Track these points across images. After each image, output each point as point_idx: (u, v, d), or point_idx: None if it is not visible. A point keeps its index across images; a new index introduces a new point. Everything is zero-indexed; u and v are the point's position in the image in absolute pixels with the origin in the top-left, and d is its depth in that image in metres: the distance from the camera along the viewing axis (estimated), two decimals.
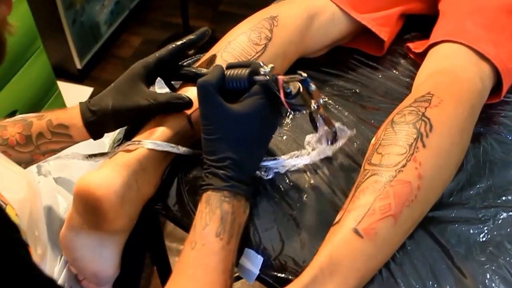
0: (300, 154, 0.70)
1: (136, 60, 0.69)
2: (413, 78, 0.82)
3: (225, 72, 0.63)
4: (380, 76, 0.86)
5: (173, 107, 0.66)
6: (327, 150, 0.68)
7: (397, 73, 0.86)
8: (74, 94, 1.90)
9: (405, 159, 0.60)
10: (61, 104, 1.71)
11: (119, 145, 0.76)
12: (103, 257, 0.65)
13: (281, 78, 0.60)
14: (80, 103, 0.69)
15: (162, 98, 0.66)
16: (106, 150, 0.81)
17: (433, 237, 0.63)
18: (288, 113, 0.62)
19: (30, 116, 0.70)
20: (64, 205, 0.75)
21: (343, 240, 0.57)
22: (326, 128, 0.65)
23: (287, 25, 0.76)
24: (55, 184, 0.81)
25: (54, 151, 0.71)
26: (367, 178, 0.61)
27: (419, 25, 0.93)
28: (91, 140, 0.70)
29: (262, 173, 0.68)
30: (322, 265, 0.56)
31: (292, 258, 0.62)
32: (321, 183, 0.69)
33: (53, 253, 0.70)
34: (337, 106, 0.79)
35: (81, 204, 0.60)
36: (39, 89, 1.55)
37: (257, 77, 0.61)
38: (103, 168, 0.61)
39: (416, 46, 0.87)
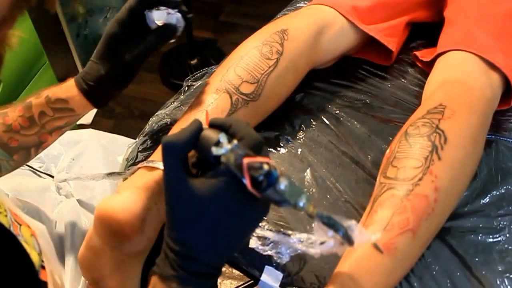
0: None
1: (141, 69, 0.71)
2: (422, 87, 0.82)
3: (202, 134, 0.48)
4: (389, 85, 0.86)
5: (161, 35, 0.69)
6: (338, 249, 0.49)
7: (405, 82, 0.87)
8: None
9: (421, 172, 0.61)
10: None
11: (133, 164, 0.77)
12: (124, 277, 0.65)
13: (246, 161, 0.43)
14: (74, 77, 0.71)
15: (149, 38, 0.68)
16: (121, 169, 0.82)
17: (451, 248, 0.64)
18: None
19: (28, 97, 0.71)
20: (87, 223, 0.76)
21: (363, 255, 0.58)
22: (331, 233, 0.47)
23: (297, 39, 0.76)
24: (79, 206, 0.82)
25: (60, 128, 0.72)
26: (384, 192, 0.62)
27: (424, 32, 0.93)
28: (109, 160, 0.71)
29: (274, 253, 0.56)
30: (343, 281, 0.56)
31: (312, 273, 0.63)
32: (338, 196, 0.70)
33: (77, 273, 0.71)
34: (349, 118, 0.80)
35: (101, 227, 0.61)
36: None
37: (218, 153, 0.45)
38: (123, 191, 0.61)
39: (423, 55, 0.87)
